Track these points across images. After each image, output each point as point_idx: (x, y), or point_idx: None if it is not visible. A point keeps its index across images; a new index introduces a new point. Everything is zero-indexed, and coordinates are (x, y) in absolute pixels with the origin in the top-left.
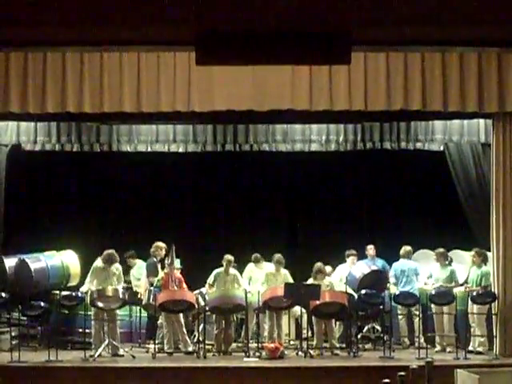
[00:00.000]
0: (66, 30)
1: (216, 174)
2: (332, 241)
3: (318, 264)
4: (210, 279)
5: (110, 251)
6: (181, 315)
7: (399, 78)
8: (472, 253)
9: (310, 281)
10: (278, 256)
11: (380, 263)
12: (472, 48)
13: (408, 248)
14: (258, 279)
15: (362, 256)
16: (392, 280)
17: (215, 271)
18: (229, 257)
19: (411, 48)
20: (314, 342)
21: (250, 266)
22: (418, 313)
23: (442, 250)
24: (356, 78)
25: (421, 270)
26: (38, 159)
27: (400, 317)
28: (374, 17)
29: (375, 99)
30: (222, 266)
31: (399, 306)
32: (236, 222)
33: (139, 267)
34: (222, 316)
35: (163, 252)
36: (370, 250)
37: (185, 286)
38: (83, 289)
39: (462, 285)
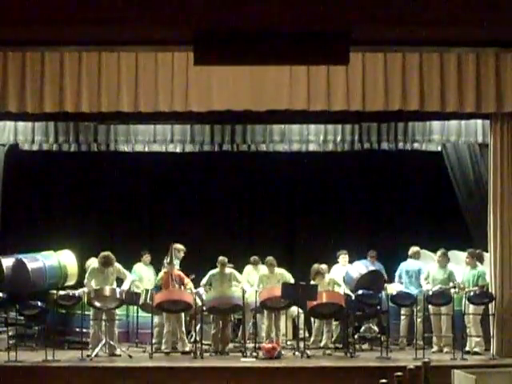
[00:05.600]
0: (63, 29)
1: (213, 174)
2: (330, 241)
3: (315, 266)
4: (204, 280)
5: (106, 253)
6: (182, 314)
7: (397, 79)
8: (465, 254)
9: (311, 282)
10: (270, 259)
11: (377, 266)
12: (470, 48)
13: (416, 249)
14: (255, 281)
15: (357, 256)
16: (396, 279)
17: (210, 272)
18: (222, 258)
19: (409, 48)
20: (311, 340)
21: (248, 269)
22: (420, 314)
23: (444, 250)
24: (354, 78)
25: (423, 271)
26: (36, 159)
27: (402, 317)
28: (372, 17)
29: (373, 99)
30: (217, 267)
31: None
32: (234, 222)
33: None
34: (220, 316)
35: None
36: (372, 253)
37: (188, 280)
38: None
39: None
